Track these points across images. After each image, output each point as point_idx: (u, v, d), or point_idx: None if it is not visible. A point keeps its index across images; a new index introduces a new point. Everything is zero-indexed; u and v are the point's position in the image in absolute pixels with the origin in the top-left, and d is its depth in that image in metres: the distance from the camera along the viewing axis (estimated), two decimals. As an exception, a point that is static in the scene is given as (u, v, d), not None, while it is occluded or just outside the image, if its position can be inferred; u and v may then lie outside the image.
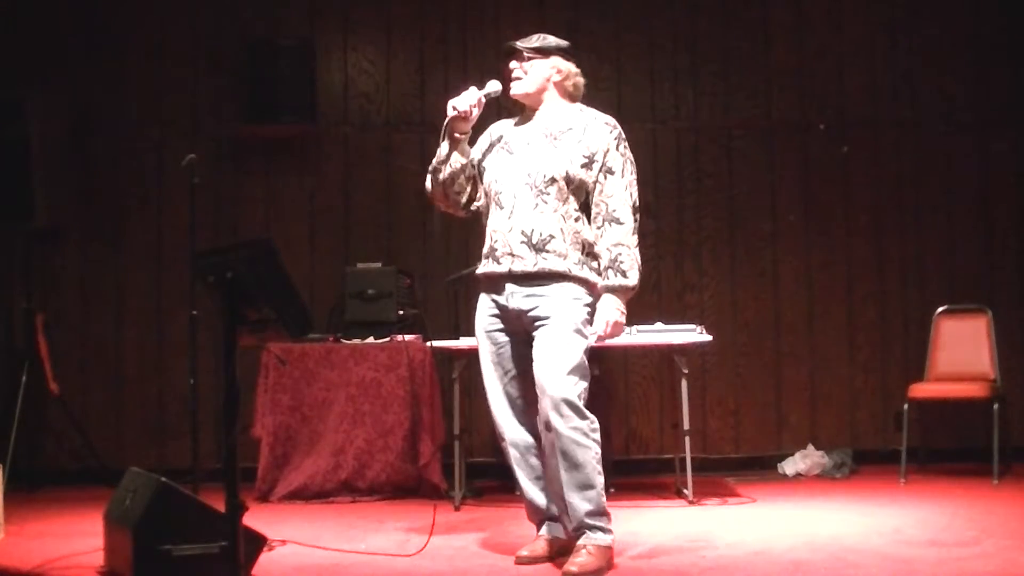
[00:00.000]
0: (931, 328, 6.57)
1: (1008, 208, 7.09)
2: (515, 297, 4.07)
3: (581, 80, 4.28)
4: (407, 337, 6.09)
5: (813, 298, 7.05)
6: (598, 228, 4.08)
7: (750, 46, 7.11)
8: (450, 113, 4.14)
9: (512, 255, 4.05)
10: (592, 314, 4.06)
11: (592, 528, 3.96)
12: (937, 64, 7.11)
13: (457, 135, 4.18)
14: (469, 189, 4.23)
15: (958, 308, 6.59)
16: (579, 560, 3.91)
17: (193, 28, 6.97)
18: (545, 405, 3.94)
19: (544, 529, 4.22)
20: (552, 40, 4.23)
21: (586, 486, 3.93)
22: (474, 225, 6.64)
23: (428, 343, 6.03)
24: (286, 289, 3.37)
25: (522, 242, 4.04)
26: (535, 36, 4.24)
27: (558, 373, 3.93)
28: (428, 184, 4.27)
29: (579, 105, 4.26)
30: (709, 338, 5.76)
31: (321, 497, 5.93)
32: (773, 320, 7.03)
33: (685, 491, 5.71)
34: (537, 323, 4.03)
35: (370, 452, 5.98)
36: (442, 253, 6.86)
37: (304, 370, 6.07)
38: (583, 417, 3.93)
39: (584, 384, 3.98)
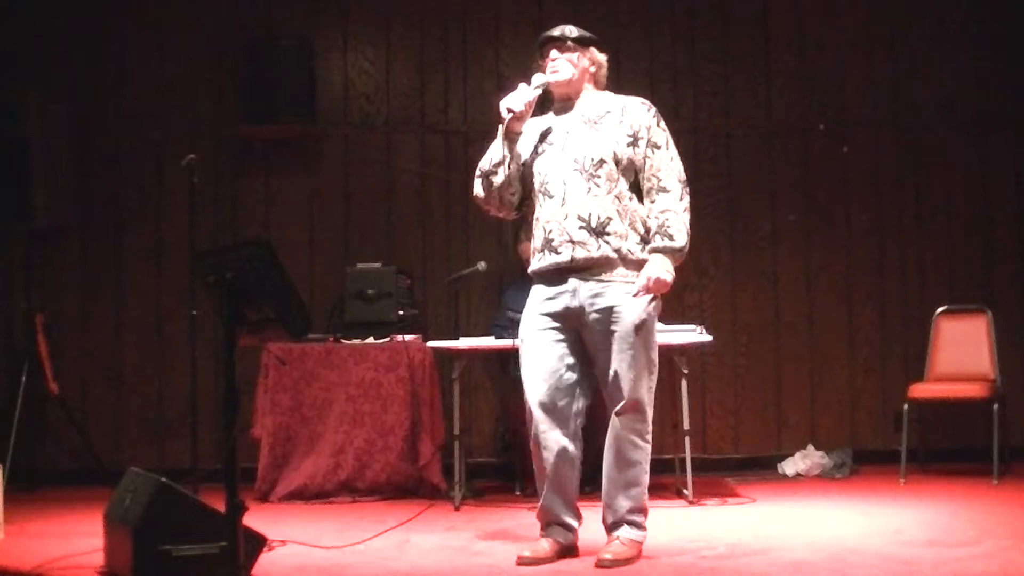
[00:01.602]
0: (931, 328, 6.57)
1: (1008, 208, 7.08)
2: (579, 295, 4.08)
3: (606, 71, 4.37)
4: (407, 337, 6.09)
5: (813, 298, 7.05)
6: (651, 202, 4.14)
7: (750, 46, 7.11)
8: (505, 116, 4.11)
9: (572, 242, 4.06)
10: (654, 304, 4.15)
11: (630, 523, 4.12)
12: (937, 64, 7.10)
13: (513, 135, 4.16)
14: (521, 189, 4.24)
15: (958, 308, 6.58)
16: (612, 549, 4.07)
17: (193, 28, 6.97)
18: (613, 407, 4.07)
19: (550, 532, 4.23)
20: (586, 32, 4.32)
21: (632, 484, 4.12)
22: (474, 224, 6.69)
23: (428, 343, 6.03)
24: (285, 289, 3.37)
25: (581, 227, 4.05)
26: (568, 27, 4.30)
27: (627, 379, 4.05)
28: (479, 189, 4.23)
29: (608, 92, 4.32)
30: (709, 338, 5.77)
31: (321, 497, 5.93)
32: (773, 320, 7.03)
33: (685, 491, 5.71)
34: (600, 327, 4.05)
35: (370, 452, 5.98)
36: (442, 253, 6.87)
37: (304, 370, 6.07)
38: (644, 421, 4.10)
39: (654, 383, 4.15)
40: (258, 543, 3.86)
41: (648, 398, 4.12)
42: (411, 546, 4.55)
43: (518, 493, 5.98)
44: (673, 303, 6.88)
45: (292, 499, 5.91)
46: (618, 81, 6.98)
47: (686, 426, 5.68)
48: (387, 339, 6.14)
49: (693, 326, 5.79)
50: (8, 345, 6.74)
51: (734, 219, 7.05)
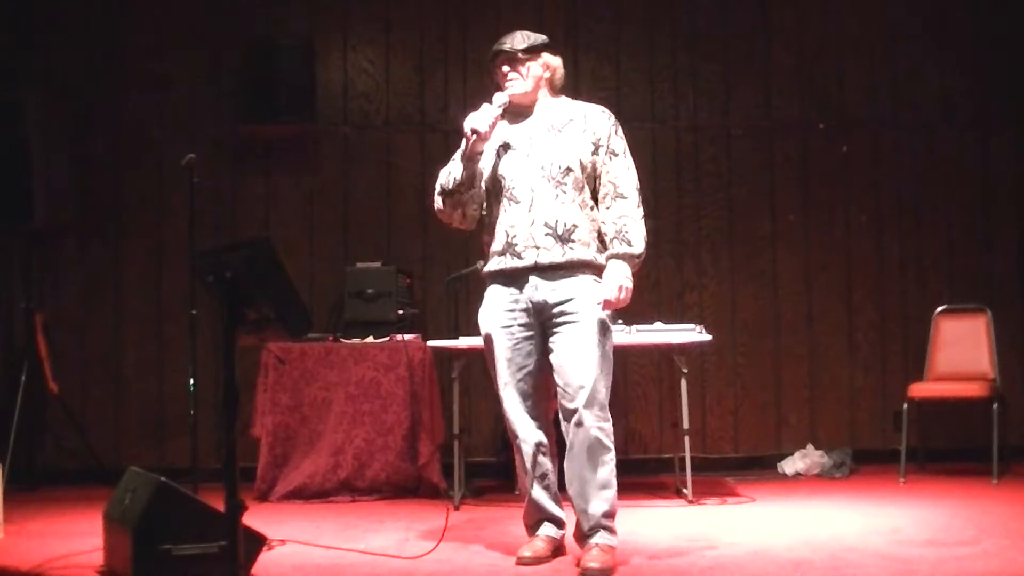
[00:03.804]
0: (931, 328, 6.57)
1: (1008, 208, 7.09)
2: (541, 290, 4.07)
3: (563, 72, 4.33)
4: (406, 336, 6.09)
5: (813, 298, 7.05)
6: (606, 208, 4.13)
7: (750, 46, 7.11)
8: (471, 136, 4.07)
9: (536, 247, 4.05)
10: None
11: (605, 528, 4.05)
12: (937, 64, 7.11)
13: (476, 155, 4.13)
14: (480, 203, 4.22)
15: (958, 308, 6.59)
16: (596, 557, 3.98)
17: (193, 28, 6.97)
18: (576, 402, 3.98)
19: (542, 530, 4.24)
20: (535, 37, 4.26)
21: (605, 486, 4.03)
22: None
23: (427, 342, 6.03)
24: (285, 288, 3.37)
25: (547, 234, 4.05)
26: (518, 35, 4.25)
27: (591, 371, 3.99)
28: (441, 204, 4.21)
29: (565, 98, 4.31)
30: (708, 338, 5.77)
31: (320, 496, 5.93)
32: (772, 320, 7.03)
33: (684, 491, 5.71)
34: (563, 318, 4.04)
35: (369, 452, 5.98)
36: (442, 252, 6.87)
37: (303, 370, 6.07)
38: (608, 419, 4.03)
39: (609, 381, 4.07)
40: (258, 542, 3.86)
41: (607, 393, 4.05)
42: (410, 545, 4.54)
43: (517, 492, 5.96)
44: (673, 302, 6.92)
45: (291, 498, 5.92)
46: (618, 80, 7.04)
47: (686, 425, 5.68)
48: (387, 338, 6.15)
49: (693, 325, 5.80)
50: (8, 345, 6.74)
51: (734, 219, 7.06)
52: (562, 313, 4.05)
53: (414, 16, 7.06)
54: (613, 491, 4.05)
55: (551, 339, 4.08)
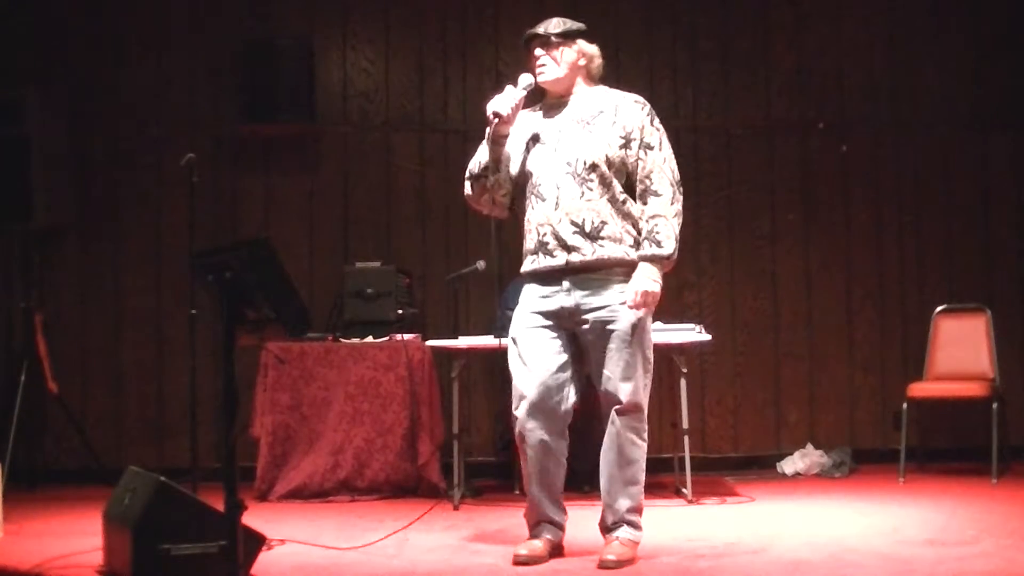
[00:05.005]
0: (930, 327, 6.57)
1: (1008, 208, 7.09)
2: (573, 294, 4.05)
3: (601, 61, 4.27)
4: (406, 336, 6.09)
5: (812, 297, 7.05)
6: (644, 205, 4.08)
7: (750, 45, 7.11)
8: (492, 120, 4.05)
9: (567, 247, 4.03)
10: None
11: (629, 523, 4.11)
12: (937, 64, 7.11)
13: (500, 139, 4.11)
14: (512, 189, 4.19)
15: (957, 307, 6.59)
16: (614, 549, 4.05)
17: (192, 28, 6.97)
18: (614, 407, 4.05)
19: (541, 531, 4.23)
20: (572, 23, 4.21)
21: (632, 483, 4.11)
22: (473, 223, 6.69)
23: (427, 342, 6.03)
24: (285, 288, 3.37)
25: (575, 232, 4.02)
26: (554, 20, 4.20)
27: (630, 379, 4.03)
28: (470, 190, 4.20)
29: (602, 87, 4.25)
30: (708, 337, 5.77)
31: (320, 496, 5.93)
32: (772, 319, 7.03)
33: (684, 490, 5.71)
34: (598, 326, 4.03)
35: (369, 451, 5.99)
36: (441, 252, 6.87)
37: (303, 369, 6.07)
38: (642, 420, 4.10)
39: (650, 381, 4.13)
40: (257, 542, 3.86)
41: (645, 397, 4.11)
42: (410, 545, 4.54)
43: (517, 492, 5.97)
44: (672, 302, 6.89)
45: (291, 498, 5.92)
46: (617, 79, 6.99)
47: (685, 425, 5.68)
48: (386, 338, 6.15)
49: (692, 325, 5.80)
50: (8, 345, 6.74)
51: (733, 218, 7.06)
52: (597, 321, 4.04)
53: (413, 15, 7.05)
54: (639, 487, 4.13)
55: (588, 347, 4.08)
